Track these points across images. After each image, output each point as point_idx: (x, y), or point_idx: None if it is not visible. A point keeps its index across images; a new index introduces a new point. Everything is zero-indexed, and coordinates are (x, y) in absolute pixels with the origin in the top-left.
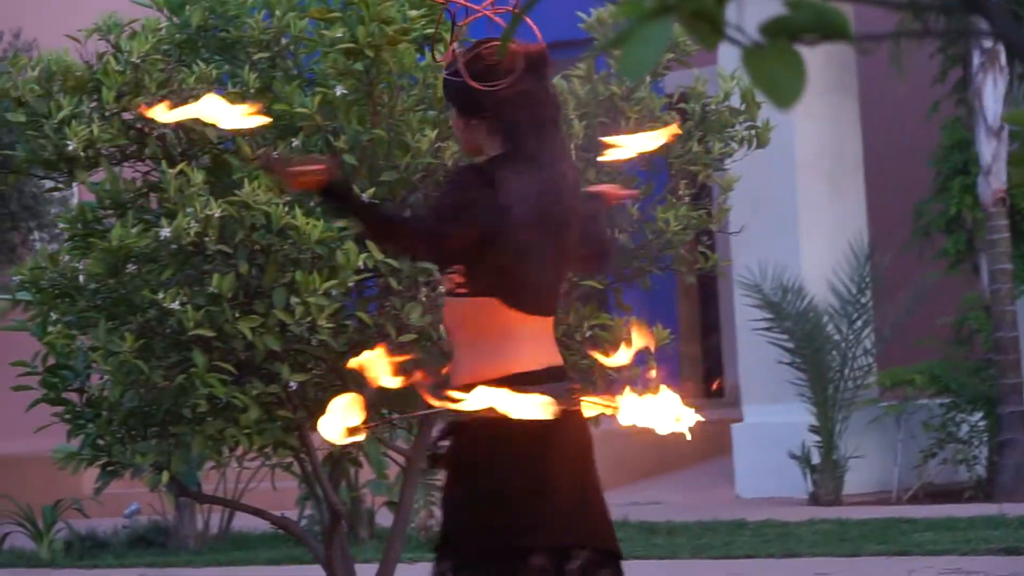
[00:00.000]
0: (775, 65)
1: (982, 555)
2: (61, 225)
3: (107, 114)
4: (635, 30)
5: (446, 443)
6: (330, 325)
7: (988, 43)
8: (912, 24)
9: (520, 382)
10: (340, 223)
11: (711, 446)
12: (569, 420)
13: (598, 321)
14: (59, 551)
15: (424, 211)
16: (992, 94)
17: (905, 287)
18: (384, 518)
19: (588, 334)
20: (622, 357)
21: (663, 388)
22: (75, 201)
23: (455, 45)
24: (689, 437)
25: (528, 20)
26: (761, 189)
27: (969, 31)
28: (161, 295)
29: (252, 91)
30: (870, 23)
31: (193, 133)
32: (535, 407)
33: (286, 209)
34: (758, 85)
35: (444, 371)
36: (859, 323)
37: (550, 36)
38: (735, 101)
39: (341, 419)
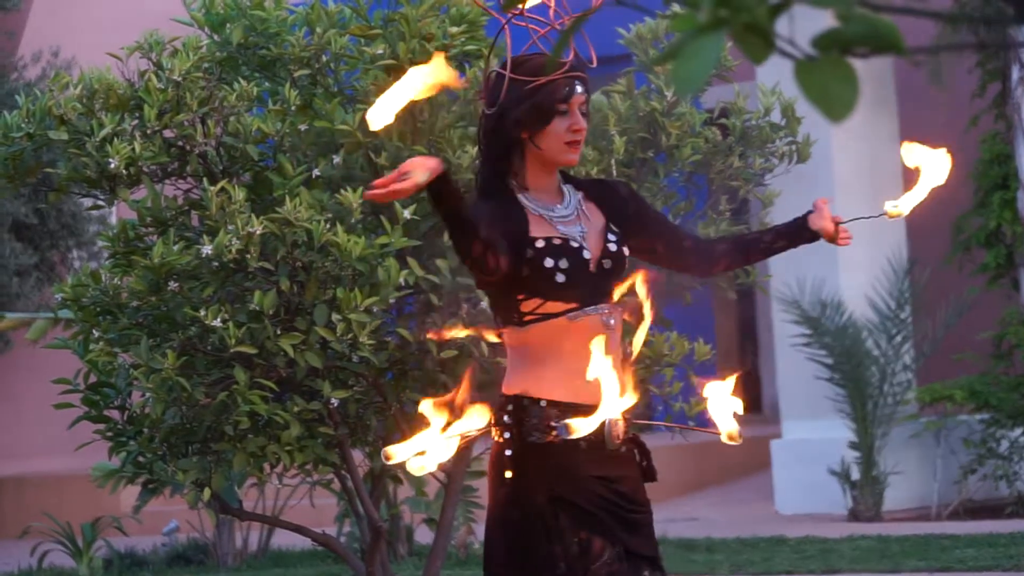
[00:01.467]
0: (827, 78)
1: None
2: (102, 243)
3: (149, 132)
4: (687, 44)
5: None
6: (371, 342)
7: None
8: (952, 37)
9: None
10: (383, 239)
11: (750, 462)
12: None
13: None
14: (99, 569)
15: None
16: None
17: (945, 302)
18: (422, 535)
19: (628, 349)
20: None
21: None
22: (114, 219)
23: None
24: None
25: (583, 35)
26: (801, 204)
27: (1012, 42)
28: (203, 312)
29: (293, 108)
30: (910, 37)
31: (234, 151)
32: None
33: (327, 226)
34: (811, 98)
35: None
36: (898, 338)
37: (595, 62)
38: (775, 116)
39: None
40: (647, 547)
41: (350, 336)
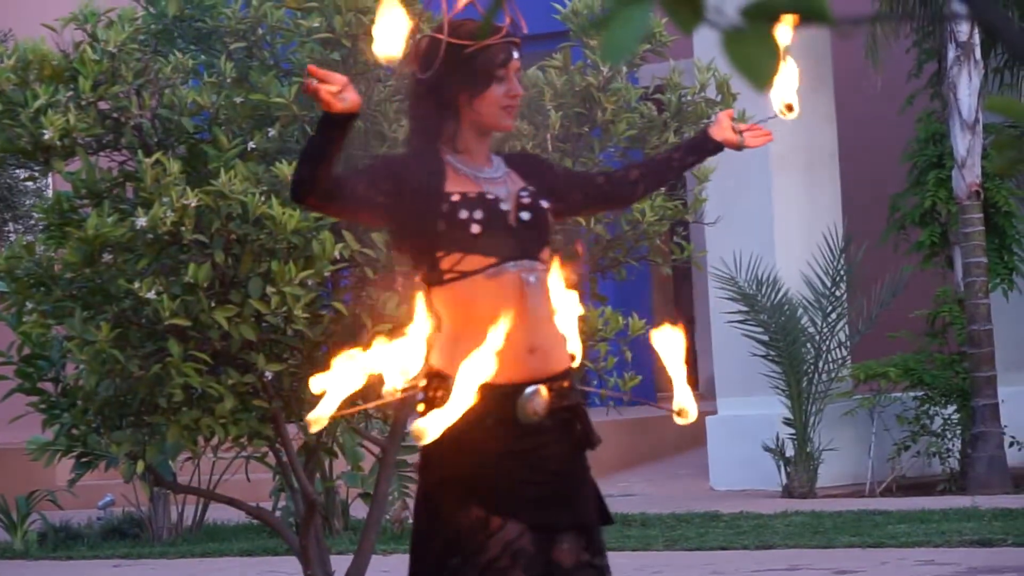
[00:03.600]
0: (752, 48)
1: (955, 547)
2: (37, 215)
3: (83, 103)
4: (616, 13)
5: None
6: (306, 315)
7: (963, 36)
8: (889, 12)
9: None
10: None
11: (685, 438)
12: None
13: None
14: (33, 542)
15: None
16: (967, 88)
17: (880, 280)
18: (358, 510)
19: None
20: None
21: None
22: (50, 192)
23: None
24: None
25: (512, 8)
26: (736, 181)
27: (947, 16)
28: (137, 284)
29: (228, 81)
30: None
31: (169, 123)
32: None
33: (262, 199)
34: (736, 66)
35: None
36: (833, 316)
37: (526, 28)
38: (711, 92)
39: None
40: (568, 516)
41: (284, 309)
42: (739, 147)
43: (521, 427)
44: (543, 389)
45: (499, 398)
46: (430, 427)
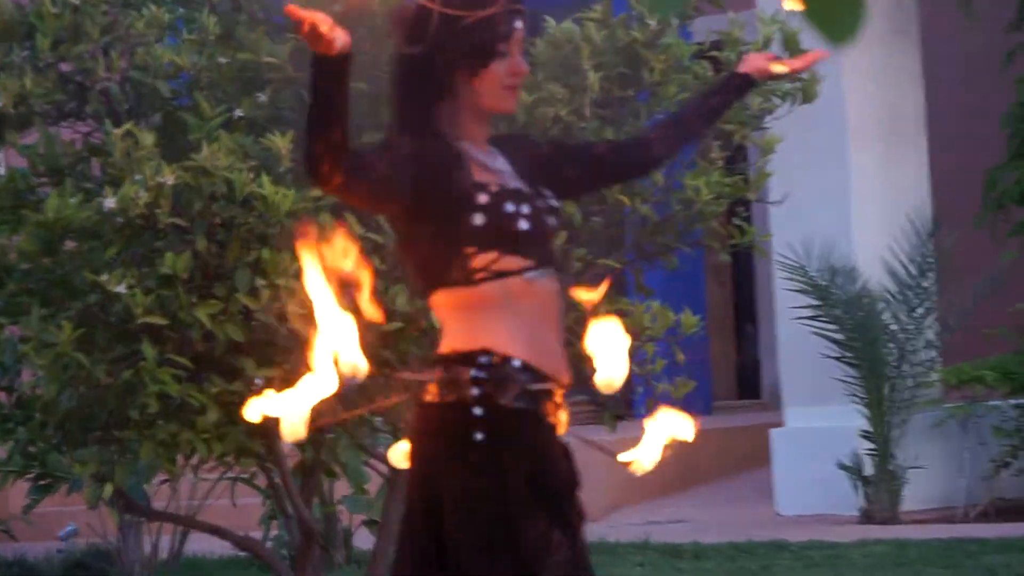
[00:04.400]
0: None
1: None
2: None
3: (42, 65)
4: None
5: None
6: (302, 311)
7: None
8: None
9: None
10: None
11: (746, 455)
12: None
13: (616, 306)
14: None
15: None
16: None
17: (975, 269)
18: (363, 539)
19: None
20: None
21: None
22: (2, 168)
23: None
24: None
25: None
26: (807, 153)
27: None
28: (105, 277)
29: (212, 38)
30: None
31: (142, 87)
32: None
33: (251, 176)
34: (811, 20)
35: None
36: (920, 311)
37: None
38: (776, 49)
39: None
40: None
41: (278, 305)
42: (772, 76)
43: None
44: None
45: (546, 388)
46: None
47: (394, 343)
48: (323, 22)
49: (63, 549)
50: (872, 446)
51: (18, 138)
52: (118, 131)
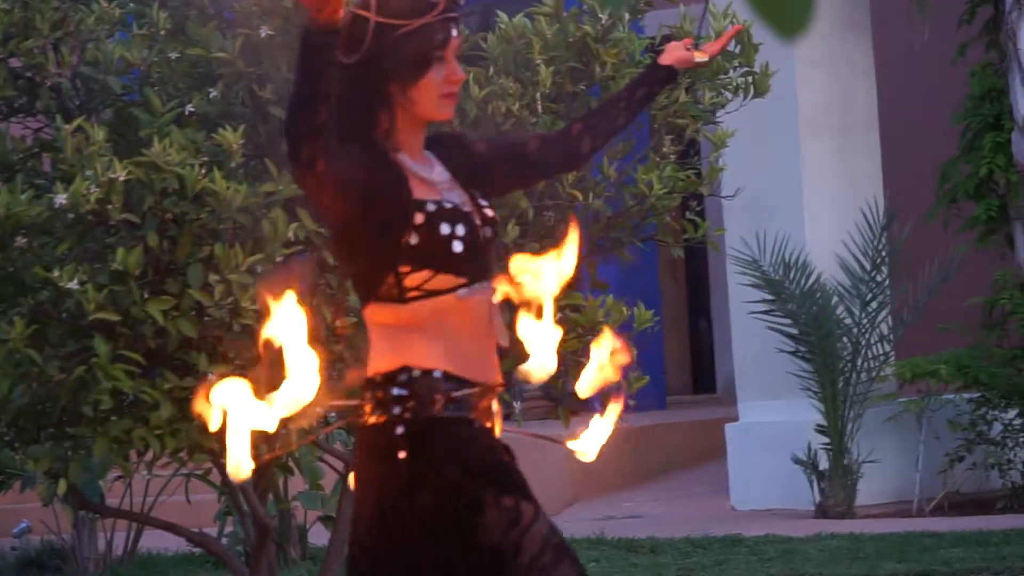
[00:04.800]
0: None
1: (1018, 575)
2: None
3: None
4: None
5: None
6: (255, 307)
7: None
8: None
9: None
10: (265, 188)
11: (701, 450)
12: None
13: (569, 301)
14: None
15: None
16: None
17: (928, 262)
18: (318, 535)
19: (558, 317)
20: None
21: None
22: None
23: None
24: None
25: None
26: (759, 147)
27: None
28: (56, 273)
29: (162, 33)
30: None
31: (93, 83)
32: None
33: (203, 172)
34: (760, 13)
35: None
36: (874, 305)
37: None
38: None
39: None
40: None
41: (230, 300)
42: (695, 64)
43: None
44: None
45: (476, 395)
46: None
47: (348, 339)
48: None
49: (17, 547)
50: (827, 440)
51: None
52: (69, 127)
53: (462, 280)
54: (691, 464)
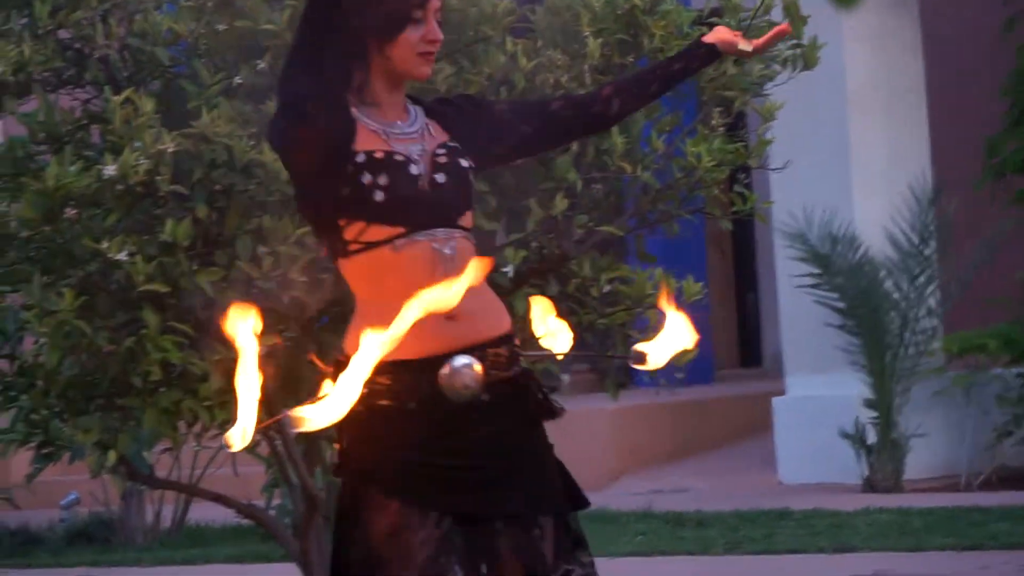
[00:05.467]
0: None
1: None
2: None
3: (40, 32)
4: None
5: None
6: (304, 279)
7: None
8: None
9: None
10: None
11: (748, 424)
12: None
13: (617, 273)
14: None
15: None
16: None
17: (976, 236)
18: None
19: (606, 289)
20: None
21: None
22: (1, 136)
23: None
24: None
25: None
26: (807, 120)
27: None
28: (105, 244)
29: (210, 5)
30: None
31: (141, 55)
32: None
33: (251, 143)
34: None
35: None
36: (922, 279)
37: None
38: (776, 15)
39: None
40: (514, 502)
41: (279, 272)
42: (737, 52)
43: (451, 406)
44: (472, 359)
45: (417, 374)
46: (312, 416)
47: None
48: None
49: (65, 518)
50: (875, 414)
51: (16, 106)
52: (117, 98)
53: (398, 230)
54: (738, 438)
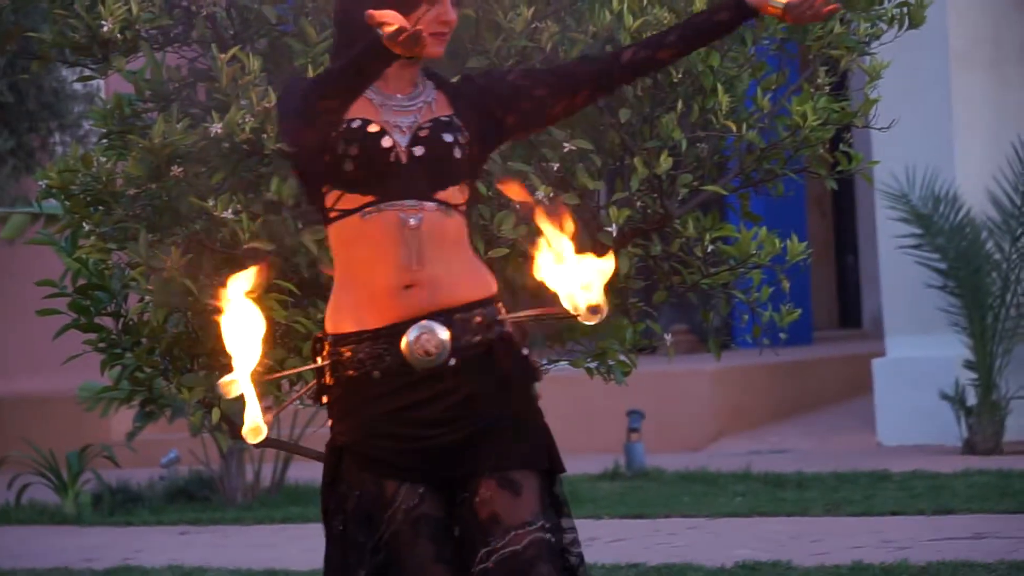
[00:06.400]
0: None
1: None
2: (91, 122)
3: None
4: None
5: None
6: None
7: None
8: None
9: None
10: None
11: (848, 385)
12: None
13: (721, 233)
14: (87, 505)
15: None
16: None
17: None
18: None
19: (709, 248)
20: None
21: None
22: (103, 97)
23: None
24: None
25: None
26: (909, 80)
27: None
28: (211, 202)
29: None
30: None
31: (248, 13)
32: None
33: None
34: None
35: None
36: None
37: None
38: None
39: None
40: (472, 464)
41: None
42: (767, 9)
43: (417, 373)
44: (435, 325)
45: (377, 342)
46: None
47: (500, 270)
48: (395, 20)
49: (165, 476)
50: (975, 376)
51: (124, 63)
52: (224, 56)
53: (368, 198)
54: (837, 399)
